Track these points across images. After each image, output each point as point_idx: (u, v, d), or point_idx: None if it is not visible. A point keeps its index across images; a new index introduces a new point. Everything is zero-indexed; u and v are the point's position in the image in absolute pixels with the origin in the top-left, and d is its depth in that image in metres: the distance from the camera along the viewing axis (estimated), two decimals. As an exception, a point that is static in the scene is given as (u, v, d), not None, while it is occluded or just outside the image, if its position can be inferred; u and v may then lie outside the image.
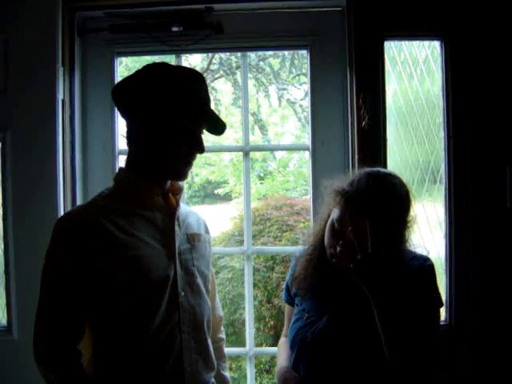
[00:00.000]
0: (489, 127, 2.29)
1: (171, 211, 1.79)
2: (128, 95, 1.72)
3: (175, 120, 1.68)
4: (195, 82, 1.73)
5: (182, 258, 1.76)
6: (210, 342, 1.85)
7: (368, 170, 1.77)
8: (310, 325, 1.78)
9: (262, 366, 5.31)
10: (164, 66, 1.75)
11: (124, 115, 1.77)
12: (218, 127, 1.79)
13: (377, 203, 1.62)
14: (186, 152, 1.73)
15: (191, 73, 1.76)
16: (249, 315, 2.64)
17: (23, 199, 2.30)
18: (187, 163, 1.75)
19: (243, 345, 2.72)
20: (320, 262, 1.81)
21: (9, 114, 2.31)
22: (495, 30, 2.28)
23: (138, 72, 1.73)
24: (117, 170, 1.85)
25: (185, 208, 1.92)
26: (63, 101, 2.38)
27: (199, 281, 1.81)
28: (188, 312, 1.73)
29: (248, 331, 2.64)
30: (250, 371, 2.67)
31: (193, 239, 1.84)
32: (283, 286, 2.07)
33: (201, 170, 8.37)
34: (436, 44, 2.40)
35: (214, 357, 1.85)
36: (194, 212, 2.00)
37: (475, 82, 2.29)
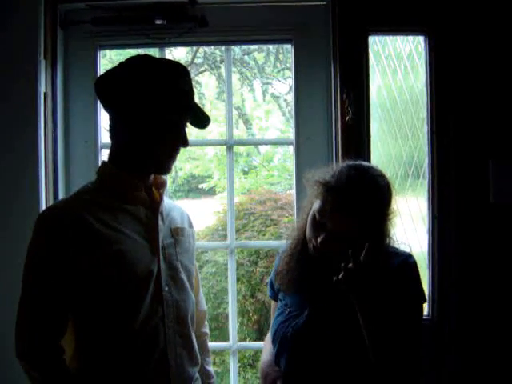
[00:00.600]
0: (472, 121, 2.31)
1: (154, 205, 1.78)
2: (110, 88, 1.70)
3: (159, 113, 1.66)
4: (179, 75, 1.71)
5: (166, 253, 1.76)
6: (194, 336, 1.84)
7: (350, 162, 1.78)
8: (291, 319, 1.78)
9: (245, 360, 5.33)
10: (147, 58, 1.74)
11: (107, 108, 1.75)
12: (201, 120, 1.78)
13: (358, 193, 1.63)
14: (170, 145, 1.72)
15: (175, 65, 1.75)
16: (232, 309, 2.64)
17: (4, 194, 2.28)
18: (171, 157, 1.74)
19: (227, 339, 2.71)
20: (302, 256, 1.81)
21: (-11, 107, 2.29)
22: (479, 26, 2.29)
23: (120, 64, 1.72)
24: (99, 164, 1.84)
25: (168, 202, 1.91)
26: (45, 94, 2.36)
27: (183, 275, 1.80)
28: (172, 307, 1.73)
29: (231, 325, 2.64)
30: (233, 365, 2.67)
31: (176, 233, 1.83)
32: (267, 282, 2.07)
33: (185, 164, 8.34)
34: (420, 39, 2.40)
35: (198, 351, 1.85)
36: (177, 206, 1.99)
37: (459, 76, 2.30)
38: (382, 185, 1.70)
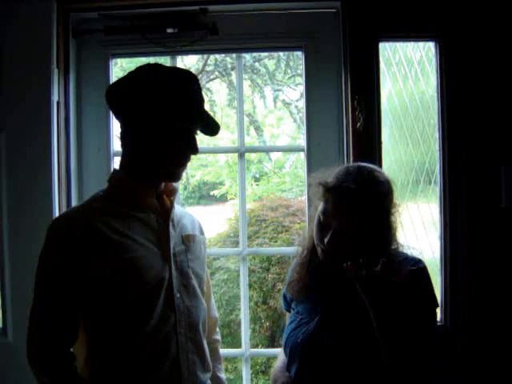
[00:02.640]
0: (484, 127, 2.30)
1: (165, 213, 1.79)
2: (121, 96, 1.72)
3: (168, 121, 1.68)
4: (189, 83, 1.73)
5: (177, 260, 1.77)
6: (205, 343, 1.85)
7: (347, 164, 1.84)
8: (301, 326, 1.79)
9: (257, 367, 5.31)
10: (157, 66, 1.75)
11: (117, 116, 1.77)
12: (211, 128, 1.79)
13: (357, 188, 1.65)
14: (180, 153, 1.73)
15: (184, 73, 1.76)
16: (244, 316, 2.64)
17: (18, 201, 2.30)
18: (181, 164, 1.75)
19: (239, 346, 2.71)
20: (312, 264, 1.83)
21: (3, 115, 2.30)
22: (490, 31, 2.29)
23: (131, 73, 1.73)
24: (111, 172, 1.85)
25: (179, 209, 1.92)
26: (58, 102, 2.37)
27: (194, 282, 1.81)
28: (184, 313, 1.73)
29: (244, 332, 2.64)
30: (245, 372, 2.67)
31: (188, 240, 1.84)
32: (281, 294, 2.07)
33: (196, 171, 8.36)
34: (431, 45, 2.40)
35: (209, 358, 1.86)
36: (188, 213, 2.00)
37: (470, 82, 2.30)
38: (380, 178, 1.72)
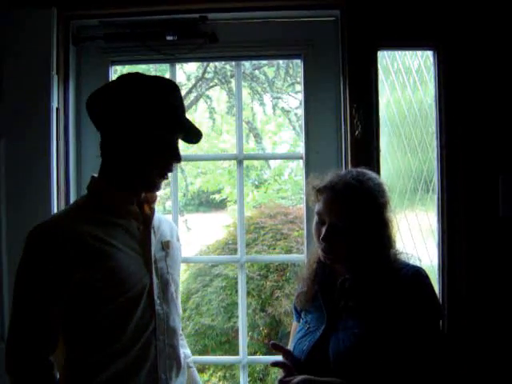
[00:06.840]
0: (482, 136, 2.30)
1: (146, 219, 1.79)
2: (100, 106, 1.72)
3: (147, 129, 1.68)
4: (168, 91, 1.73)
5: (158, 267, 1.78)
6: (180, 347, 1.87)
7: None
8: (308, 335, 1.81)
9: (255, 374, 5.29)
10: (136, 75, 1.75)
11: (97, 126, 1.76)
12: (193, 135, 1.79)
13: (346, 184, 1.74)
14: (162, 163, 1.74)
15: (164, 81, 1.77)
16: (242, 323, 2.64)
17: (16, 207, 2.30)
18: (162, 175, 1.76)
19: (237, 353, 2.71)
20: (318, 274, 1.87)
21: (3, 121, 2.31)
22: (488, 40, 2.30)
23: (111, 82, 1.75)
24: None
25: (157, 215, 1.92)
26: (58, 109, 2.38)
27: (172, 288, 1.84)
28: (163, 320, 1.76)
29: (241, 339, 2.64)
30: (243, 380, 2.66)
31: (167, 246, 1.87)
32: (292, 306, 2.09)
33: (195, 178, 8.37)
34: (429, 53, 2.41)
35: (183, 362, 1.88)
36: (166, 219, 2.02)
37: (468, 91, 2.30)
38: (368, 176, 1.79)
